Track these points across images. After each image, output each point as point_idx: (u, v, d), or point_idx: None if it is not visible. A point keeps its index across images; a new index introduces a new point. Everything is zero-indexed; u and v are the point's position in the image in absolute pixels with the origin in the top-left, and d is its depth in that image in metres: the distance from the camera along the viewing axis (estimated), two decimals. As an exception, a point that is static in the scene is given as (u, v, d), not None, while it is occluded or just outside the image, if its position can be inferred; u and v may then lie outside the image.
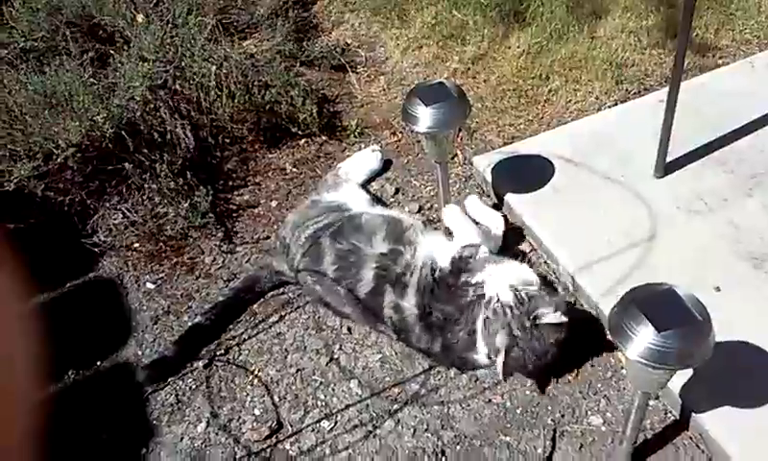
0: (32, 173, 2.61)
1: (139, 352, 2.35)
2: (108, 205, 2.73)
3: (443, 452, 1.98)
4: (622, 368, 2.09)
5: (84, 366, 2.31)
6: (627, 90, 3.06)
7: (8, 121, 2.65)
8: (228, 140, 3.00)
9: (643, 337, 1.47)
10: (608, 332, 2.10)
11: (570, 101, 3.05)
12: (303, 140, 3.05)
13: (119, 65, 2.90)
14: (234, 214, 2.80)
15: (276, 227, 2.72)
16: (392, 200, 2.77)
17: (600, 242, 2.29)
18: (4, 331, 0.51)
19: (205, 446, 2.08)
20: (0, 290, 0.52)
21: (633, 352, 1.48)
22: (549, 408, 2.04)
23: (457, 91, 2.18)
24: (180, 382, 2.25)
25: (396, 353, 2.24)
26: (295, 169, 2.97)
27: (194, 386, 2.24)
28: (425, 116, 2.10)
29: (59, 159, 2.57)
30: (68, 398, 2.22)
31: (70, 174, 2.70)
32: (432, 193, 2.75)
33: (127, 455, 2.06)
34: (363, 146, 3.02)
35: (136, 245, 2.67)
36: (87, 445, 2.08)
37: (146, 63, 2.81)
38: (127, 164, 2.60)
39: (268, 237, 2.68)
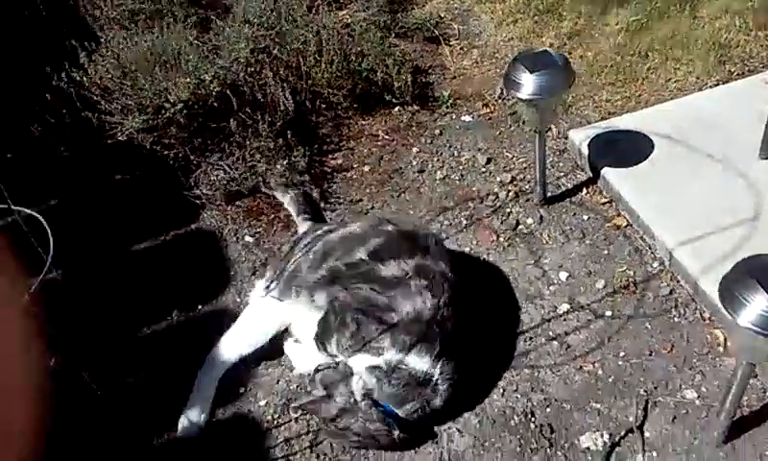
0: (142, 126, 2.74)
1: (237, 300, 2.45)
2: (209, 160, 2.84)
3: (532, 413, 2.01)
4: (719, 345, 2.07)
5: (187, 308, 2.42)
6: (729, 71, 2.99)
7: (120, 77, 2.79)
8: (323, 106, 3.07)
9: (756, 305, 1.46)
10: (704, 308, 2.10)
11: (670, 79, 3.00)
12: (396, 108, 3.10)
13: (221, 30, 3.01)
14: (328, 176, 2.88)
15: (368, 190, 2.79)
16: (483, 170, 2.79)
17: (701, 219, 2.26)
18: (4, 332, 0.51)
19: (300, 389, 2.16)
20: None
21: (744, 320, 1.47)
22: (642, 379, 2.04)
23: (562, 60, 2.18)
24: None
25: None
26: (387, 136, 3.02)
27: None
28: (529, 83, 2.11)
29: (167, 114, 2.70)
30: (172, 334, 2.34)
31: (176, 129, 2.82)
32: (524, 165, 2.76)
33: (225, 392, 2.16)
34: (455, 116, 3.06)
35: (236, 200, 2.78)
36: (187, 379, 2.19)
37: (250, 27, 2.91)
38: (232, 121, 2.69)
39: (361, 200, 2.75)
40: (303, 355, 2.19)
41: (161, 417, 2.10)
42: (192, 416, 2.09)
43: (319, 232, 2.34)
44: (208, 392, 2.16)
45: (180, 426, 2.08)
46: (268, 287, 2.26)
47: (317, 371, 2.03)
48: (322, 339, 2.09)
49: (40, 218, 1.58)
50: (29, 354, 0.51)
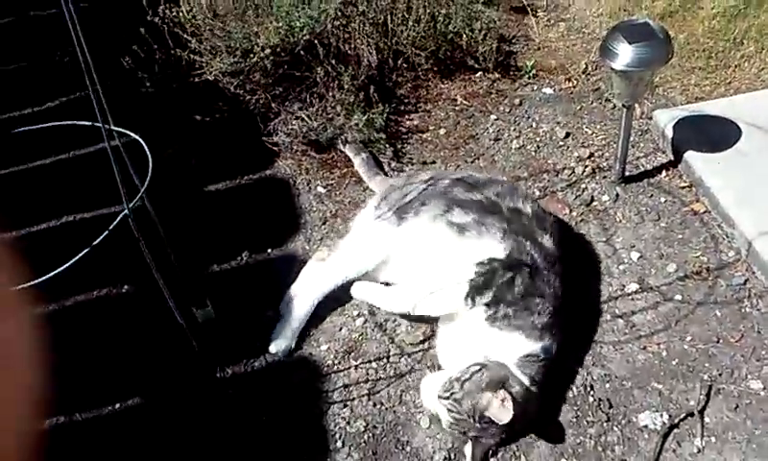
0: (228, 68, 2.81)
1: (306, 247, 2.50)
2: (289, 109, 2.89)
3: (591, 387, 2.01)
4: (792, 340, 2.02)
5: (258, 251, 2.49)
6: (829, 66, 2.87)
7: (212, 17, 2.86)
8: (405, 65, 3.08)
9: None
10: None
11: (763, 69, 2.89)
12: (478, 74, 3.09)
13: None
14: (404, 136, 2.90)
15: (442, 153, 2.80)
16: (561, 143, 2.76)
17: (785, 212, 2.20)
18: (4, 335, 0.50)
19: (361, 338, 2.21)
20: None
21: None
22: (707, 365, 2.01)
23: (662, 32, 2.13)
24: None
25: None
26: (465, 101, 3.02)
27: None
28: (626, 53, 2.07)
29: (254, 58, 2.75)
30: (242, 275, 2.42)
31: (260, 75, 2.88)
32: (603, 142, 2.73)
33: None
34: (536, 87, 3.03)
35: (311, 151, 2.83)
36: (253, 319, 2.27)
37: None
38: (319, 69, 2.73)
39: (434, 162, 2.76)
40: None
41: (226, 350, 2.18)
42: (283, 341, 2.18)
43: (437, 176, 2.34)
44: (303, 316, 2.22)
45: (272, 348, 2.18)
46: (379, 216, 2.26)
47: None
48: (475, 291, 1.99)
49: (141, 141, 1.65)
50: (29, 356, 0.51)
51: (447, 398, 1.81)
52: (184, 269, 2.34)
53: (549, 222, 2.19)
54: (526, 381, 1.87)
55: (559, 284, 2.03)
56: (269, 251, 2.50)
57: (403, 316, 2.21)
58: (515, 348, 1.92)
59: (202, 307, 2.23)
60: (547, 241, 2.09)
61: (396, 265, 2.23)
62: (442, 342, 2.09)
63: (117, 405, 2.09)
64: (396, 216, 2.21)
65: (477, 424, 1.79)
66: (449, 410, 1.81)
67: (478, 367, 1.83)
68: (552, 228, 2.15)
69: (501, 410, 1.75)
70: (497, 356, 1.90)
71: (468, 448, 1.86)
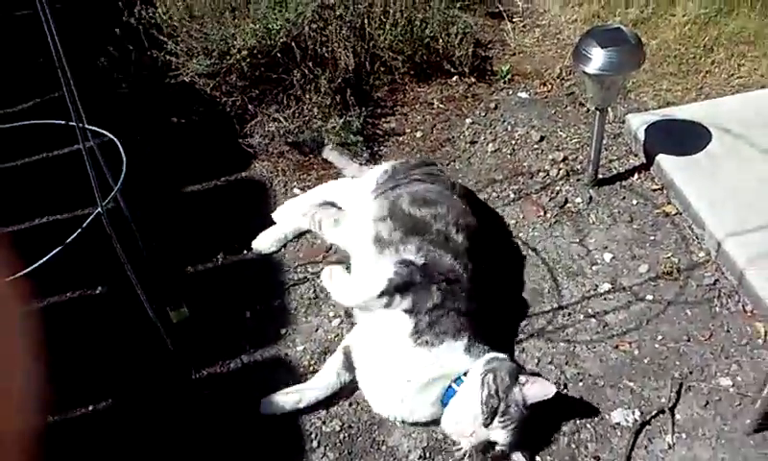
0: (204, 70, 2.81)
1: (283, 250, 2.50)
2: (266, 111, 2.90)
3: (565, 385, 2.03)
4: (759, 338, 2.06)
5: (233, 252, 2.49)
6: (796, 72, 2.94)
7: (189, 18, 2.86)
8: (382, 69, 3.10)
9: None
10: (747, 301, 2.09)
11: (733, 75, 2.96)
12: (454, 78, 3.11)
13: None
14: (381, 139, 2.91)
15: (418, 156, 2.81)
16: (536, 146, 2.79)
17: (753, 213, 2.24)
18: (4, 334, 0.50)
19: (337, 339, 2.21)
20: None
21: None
22: (677, 363, 2.05)
23: (635, 38, 2.17)
24: (319, 280, 2.39)
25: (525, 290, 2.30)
26: (442, 105, 3.04)
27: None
28: (598, 57, 2.11)
29: (231, 60, 2.76)
30: (217, 276, 2.41)
31: (237, 77, 2.88)
32: (577, 146, 2.76)
33: (265, 332, 2.22)
34: (511, 92, 3.06)
35: (288, 153, 2.83)
36: (232, 320, 2.26)
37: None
38: (296, 72, 2.73)
39: (411, 164, 2.77)
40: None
41: (201, 351, 2.18)
42: (265, 242, 2.47)
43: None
44: (291, 229, 2.49)
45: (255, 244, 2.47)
46: (373, 189, 2.36)
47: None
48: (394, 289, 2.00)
49: (115, 140, 1.65)
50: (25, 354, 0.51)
51: (493, 418, 1.79)
52: (159, 269, 2.33)
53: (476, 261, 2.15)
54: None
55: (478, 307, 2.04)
56: (245, 252, 2.50)
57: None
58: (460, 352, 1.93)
59: (176, 308, 2.23)
60: (471, 270, 2.07)
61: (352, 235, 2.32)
62: (370, 384, 2.01)
63: (91, 407, 2.07)
64: (376, 192, 2.33)
65: (526, 412, 1.80)
66: (505, 425, 1.78)
67: (486, 372, 1.83)
68: (477, 266, 2.12)
69: (543, 387, 1.80)
70: (448, 367, 1.91)
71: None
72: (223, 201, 2.68)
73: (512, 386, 1.80)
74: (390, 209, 2.22)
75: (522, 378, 1.81)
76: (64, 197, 2.57)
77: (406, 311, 1.95)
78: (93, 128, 1.67)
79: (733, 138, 2.52)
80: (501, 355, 1.92)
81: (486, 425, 1.78)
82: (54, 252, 1.42)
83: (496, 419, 1.78)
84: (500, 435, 1.79)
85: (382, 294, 1.99)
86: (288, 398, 2.01)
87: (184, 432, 2.00)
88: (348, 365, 2.03)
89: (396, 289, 1.98)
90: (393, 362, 1.93)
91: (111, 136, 1.65)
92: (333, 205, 2.52)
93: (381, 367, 1.96)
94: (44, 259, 1.36)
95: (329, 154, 2.74)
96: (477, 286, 2.07)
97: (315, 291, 2.35)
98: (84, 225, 1.46)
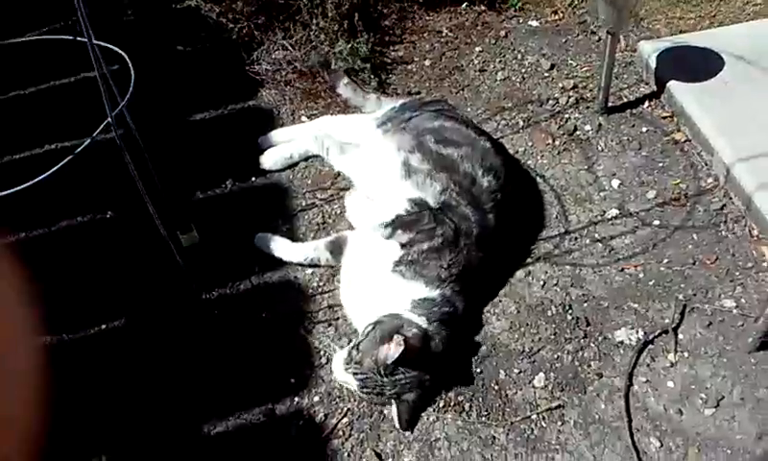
0: (211, -7, 2.77)
1: (291, 176, 2.51)
2: (273, 38, 2.87)
3: (569, 306, 2.05)
4: (764, 261, 2.07)
5: (242, 179, 2.50)
6: (812, 0, 2.88)
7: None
8: (391, -4, 3.05)
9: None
10: (754, 225, 2.10)
11: (748, 2, 2.90)
12: (463, 6, 3.07)
13: None
14: (388, 67, 2.88)
15: (427, 84, 2.79)
16: (546, 75, 2.77)
17: (764, 138, 2.22)
18: (4, 334, 0.50)
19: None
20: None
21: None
22: (682, 286, 2.06)
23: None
24: (327, 207, 2.40)
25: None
26: (450, 33, 3.00)
27: (339, 211, 2.39)
28: (611, -25, 2.07)
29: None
30: (226, 202, 2.42)
31: (243, 3, 2.85)
32: (588, 74, 2.73)
33: (274, 259, 2.24)
34: (522, 20, 3.02)
35: (295, 81, 2.81)
36: (241, 244, 2.28)
37: None
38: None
39: (419, 92, 2.76)
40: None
41: (211, 273, 2.21)
42: (272, 158, 2.50)
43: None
44: (298, 151, 2.51)
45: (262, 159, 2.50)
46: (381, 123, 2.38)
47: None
48: (398, 225, 2.08)
49: (122, 53, 1.63)
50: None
51: (349, 364, 1.83)
52: (168, 194, 2.35)
53: (500, 202, 2.14)
54: (423, 323, 1.88)
55: (482, 262, 2.05)
56: (253, 179, 2.50)
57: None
58: (410, 293, 1.95)
59: (186, 232, 2.25)
60: (490, 218, 2.09)
61: (361, 165, 2.34)
62: (344, 288, 2.12)
63: (104, 325, 2.11)
64: (385, 125, 2.34)
65: (385, 378, 1.79)
66: (355, 375, 1.82)
67: (372, 326, 1.86)
68: (500, 208, 2.12)
69: (394, 349, 1.76)
70: (392, 303, 1.93)
71: (393, 411, 1.84)
72: (230, 129, 2.67)
73: (379, 343, 1.80)
74: (417, 144, 2.21)
75: (396, 339, 1.77)
76: (72, 125, 2.57)
77: (401, 244, 2.03)
78: (100, 43, 1.65)
79: (746, 65, 2.48)
80: (407, 316, 1.89)
81: (345, 370, 1.85)
82: (64, 161, 1.43)
83: (350, 366, 1.83)
84: (353, 383, 1.84)
85: (387, 225, 2.07)
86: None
87: (195, 350, 2.04)
88: (333, 249, 2.18)
89: (400, 224, 2.06)
90: (367, 279, 2.02)
91: (119, 50, 1.64)
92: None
93: (357, 278, 2.06)
94: (54, 169, 1.37)
95: (344, 90, 2.71)
96: (490, 235, 2.08)
97: (323, 217, 2.37)
98: (96, 134, 1.46)
